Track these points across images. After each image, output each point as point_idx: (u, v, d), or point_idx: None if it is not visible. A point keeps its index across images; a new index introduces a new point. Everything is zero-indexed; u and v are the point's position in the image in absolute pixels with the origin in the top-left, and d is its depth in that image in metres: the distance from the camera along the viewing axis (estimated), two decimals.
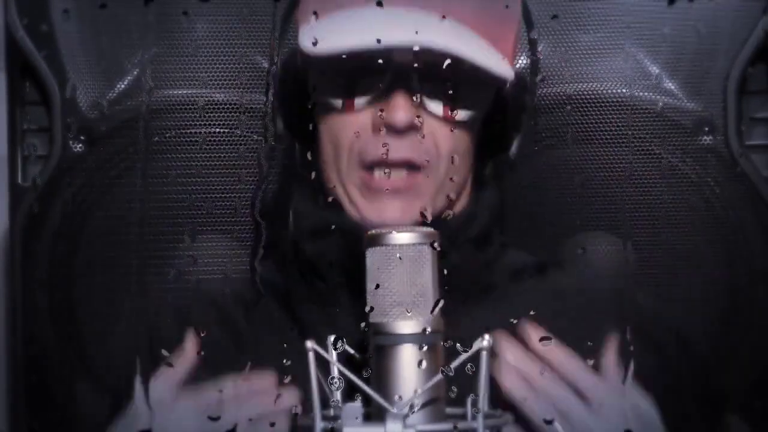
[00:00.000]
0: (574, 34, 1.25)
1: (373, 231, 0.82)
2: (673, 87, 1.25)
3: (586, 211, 1.25)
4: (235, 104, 1.27)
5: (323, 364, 0.82)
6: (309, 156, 1.07)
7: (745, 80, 1.23)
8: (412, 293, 0.80)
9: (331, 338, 0.84)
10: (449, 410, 0.81)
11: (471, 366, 0.79)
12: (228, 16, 1.27)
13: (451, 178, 1.03)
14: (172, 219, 1.27)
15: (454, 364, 0.78)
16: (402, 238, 0.81)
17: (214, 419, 1.03)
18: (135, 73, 1.28)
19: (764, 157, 1.26)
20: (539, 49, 1.16)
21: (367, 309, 0.81)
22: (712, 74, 1.24)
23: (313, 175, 1.06)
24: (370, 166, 1.01)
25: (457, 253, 1.01)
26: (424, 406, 0.78)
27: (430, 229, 0.82)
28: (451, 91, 1.00)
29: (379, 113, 0.99)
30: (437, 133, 1.01)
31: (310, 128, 1.06)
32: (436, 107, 1.01)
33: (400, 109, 0.98)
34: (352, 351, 0.85)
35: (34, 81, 1.28)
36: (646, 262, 1.25)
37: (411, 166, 1.01)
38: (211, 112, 1.27)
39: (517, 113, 1.11)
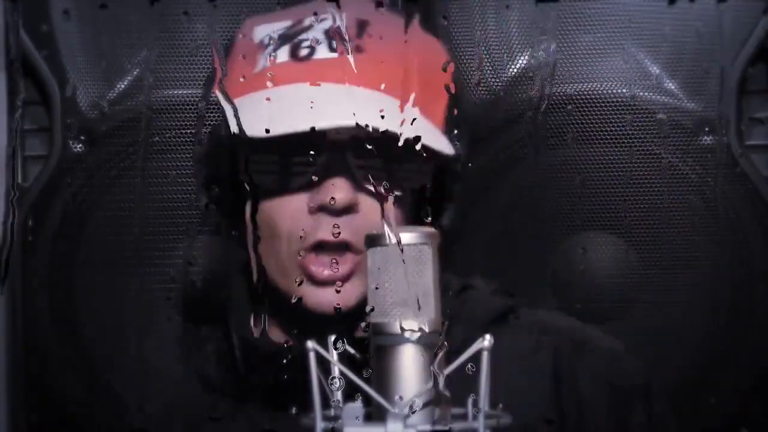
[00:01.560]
0: (574, 34, 1.25)
1: (374, 231, 0.82)
2: (673, 87, 1.25)
3: (586, 211, 1.25)
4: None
5: (324, 364, 0.82)
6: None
7: (745, 80, 1.24)
8: (413, 293, 0.80)
9: (332, 338, 0.84)
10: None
11: (471, 366, 0.79)
12: (228, 16, 1.27)
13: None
14: (172, 219, 1.27)
15: (455, 363, 0.78)
16: (402, 238, 0.81)
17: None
18: (135, 73, 1.28)
19: (764, 157, 1.26)
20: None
21: (368, 309, 0.81)
22: (712, 74, 1.24)
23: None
24: (309, 248, 0.98)
25: None
26: (424, 406, 0.78)
27: (430, 229, 0.82)
28: (390, 169, 0.97)
29: (320, 193, 0.97)
30: (374, 210, 0.96)
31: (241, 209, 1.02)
32: (373, 186, 0.97)
33: (339, 190, 0.97)
34: (352, 351, 0.85)
35: (34, 81, 1.28)
36: (646, 262, 1.25)
37: (350, 249, 0.98)
38: (211, 112, 1.27)
39: (450, 183, 1.06)
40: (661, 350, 1.24)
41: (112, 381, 1.21)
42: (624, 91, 1.24)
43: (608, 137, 1.24)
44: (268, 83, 0.99)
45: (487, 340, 0.78)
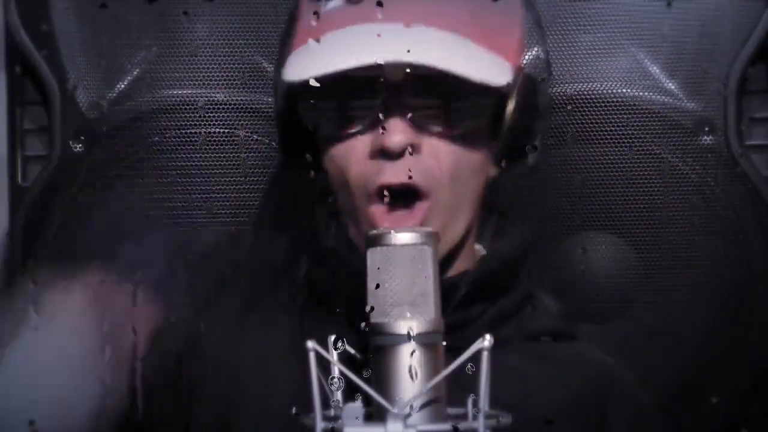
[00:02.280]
0: (574, 34, 1.25)
1: (374, 231, 0.82)
2: (673, 87, 1.25)
3: (586, 211, 1.25)
4: (235, 104, 1.27)
5: (324, 364, 0.82)
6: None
7: (745, 80, 1.24)
8: (412, 293, 0.80)
9: (332, 338, 0.84)
10: (450, 410, 0.81)
11: (471, 366, 0.79)
12: (228, 16, 1.27)
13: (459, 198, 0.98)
14: (172, 219, 1.27)
15: (455, 364, 0.78)
16: (402, 238, 0.81)
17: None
18: (135, 73, 1.28)
19: (764, 157, 1.26)
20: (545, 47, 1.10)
21: (367, 309, 0.81)
22: (712, 74, 1.24)
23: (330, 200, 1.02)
24: (374, 194, 0.97)
25: (465, 305, 0.99)
26: (424, 406, 0.78)
27: (430, 229, 0.82)
28: (445, 107, 0.96)
29: (378, 136, 0.95)
30: (439, 151, 0.97)
31: (311, 158, 1.02)
32: (434, 125, 0.96)
33: (395, 133, 0.94)
34: (352, 351, 0.85)
35: (34, 81, 1.29)
36: (646, 262, 1.25)
37: (414, 194, 0.96)
38: (211, 112, 1.27)
39: (527, 117, 1.02)
40: (661, 350, 1.24)
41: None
42: (624, 91, 1.24)
43: (608, 137, 1.24)
44: (323, 29, 0.97)
45: (487, 340, 0.78)
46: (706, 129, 1.24)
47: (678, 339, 1.24)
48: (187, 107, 1.27)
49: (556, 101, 1.23)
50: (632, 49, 1.25)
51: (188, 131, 1.27)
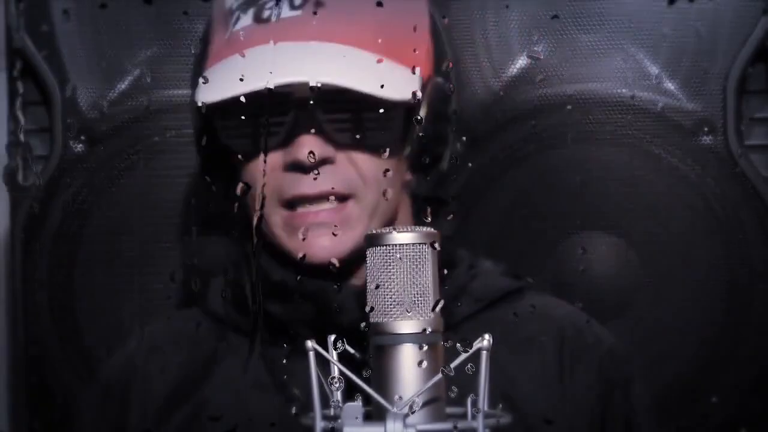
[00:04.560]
0: (574, 34, 1.25)
1: (374, 231, 0.82)
2: (673, 87, 1.25)
3: (586, 211, 1.25)
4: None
5: (323, 364, 0.82)
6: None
7: (745, 80, 1.24)
8: (412, 293, 0.80)
9: (332, 338, 0.84)
10: (449, 410, 0.81)
11: (471, 366, 0.79)
12: None
13: (385, 197, 1.00)
14: (172, 219, 1.27)
15: (454, 363, 0.78)
16: (402, 237, 0.81)
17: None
18: (135, 73, 1.28)
19: (764, 157, 1.26)
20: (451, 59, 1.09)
21: (367, 309, 0.81)
22: (712, 74, 1.24)
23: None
24: (289, 204, 1.00)
25: None
26: (424, 405, 0.78)
27: (430, 229, 0.82)
28: (353, 120, 0.98)
29: (291, 150, 0.98)
30: (356, 160, 0.99)
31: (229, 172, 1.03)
32: (344, 137, 0.98)
33: (306, 147, 0.97)
34: (352, 351, 0.85)
35: (34, 81, 1.29)
36: (645, 262, 1.25)
37: (336, 197, 0.99)
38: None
39: (437, 126, 1.04)
40: (661, 350, 1.24)
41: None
42: (624, 91, 1.24)
43: (608, 137, 1.24)
44: (233, 49, 0.99)
45: (486, 340, 0.78)
46: (706, 129, 1.24)
47: (677, 339, 1.24)
48: (187, 107, 1.27)
49: (557, 101, 1.23)
50: (632, 49, 1.25)
51: (188, 131, 1.27)
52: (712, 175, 1.23)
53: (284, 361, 0.99)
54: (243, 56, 0.98)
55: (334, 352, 0.83)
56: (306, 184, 0.98)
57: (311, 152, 0.97)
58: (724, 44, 1.24)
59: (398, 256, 0.80)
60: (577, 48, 1.25)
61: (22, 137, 1.31)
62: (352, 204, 1.00)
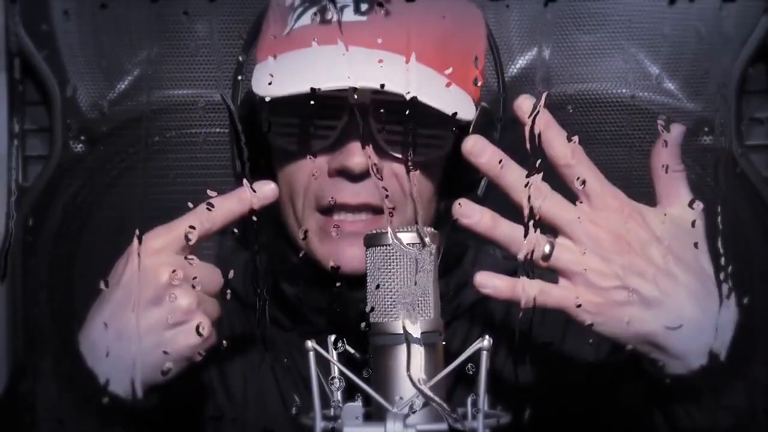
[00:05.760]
0: (574, 34, 1.25)
1: (374, 231, 0.82)
2: (673, 87, 1.25)
3: None
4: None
5: (324, 364, 0.82)
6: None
7: (745, 80, 1.24)
8: (412, 293, 0.80)
9: (332, 338, 0.84)
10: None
11: (471, 366, 0.79)
12: (228, 16, 1.27)
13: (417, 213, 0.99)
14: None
15: (454, 363, 0.79)
16: (402, 238, 0.81)
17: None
18: (135, 73, 1.28)
19: (764, 157, 1.26)
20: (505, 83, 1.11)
21: (367, 309, 0.81)
22: (712, 74, 1.24)
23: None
24: (327, 210, 0.99)
25: None
26: (424, 405, 0.78)
27: (430, 229, 0.82)
28: (409, 134, 0.96)
29: (339, 156, 0.97)
30: (400, 175, 0.98)
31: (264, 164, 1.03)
32: (395, 150, 0.97)
33: (356, 155, 0.95)
34: (352, 351, 0.85)
35: (34, 81, 1.29)
36: None
37: (373, 210, 0.98)
38: (211, 112, 1.27)
39: None
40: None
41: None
42: (624, 91, 1.24)
43: (608, 137, 1.24)
44: (295, 44, 0.97)
45: (486, 340, 0.78)
46: (706, 129, 1.24)
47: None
48: (187, 107, 1.27)
49: (557, 101, 1.23)
50: (632, 49, 1.25)
51: (188, 131, 1.27)
52: (712, 175, 1.23)
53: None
54: (310, 54, 0.96)
55: (334, 352, 0.83)
56: (349, 193, 0.97)
57: (356, 161, 0.95)
58: (723, 44, 1.24)
59: (398, 256, 0.80)
60: (577, 48, 1.25)
61: (22, 137, 1.31)
62: (394, 217, 0.98)
